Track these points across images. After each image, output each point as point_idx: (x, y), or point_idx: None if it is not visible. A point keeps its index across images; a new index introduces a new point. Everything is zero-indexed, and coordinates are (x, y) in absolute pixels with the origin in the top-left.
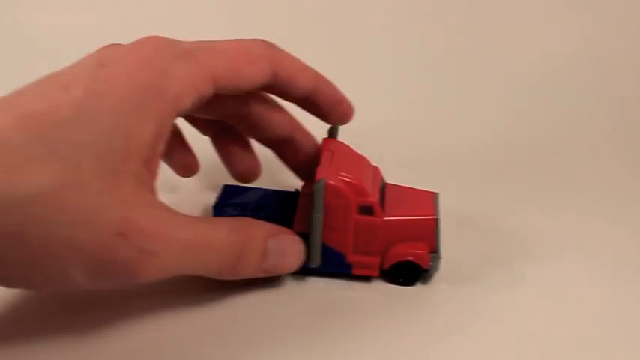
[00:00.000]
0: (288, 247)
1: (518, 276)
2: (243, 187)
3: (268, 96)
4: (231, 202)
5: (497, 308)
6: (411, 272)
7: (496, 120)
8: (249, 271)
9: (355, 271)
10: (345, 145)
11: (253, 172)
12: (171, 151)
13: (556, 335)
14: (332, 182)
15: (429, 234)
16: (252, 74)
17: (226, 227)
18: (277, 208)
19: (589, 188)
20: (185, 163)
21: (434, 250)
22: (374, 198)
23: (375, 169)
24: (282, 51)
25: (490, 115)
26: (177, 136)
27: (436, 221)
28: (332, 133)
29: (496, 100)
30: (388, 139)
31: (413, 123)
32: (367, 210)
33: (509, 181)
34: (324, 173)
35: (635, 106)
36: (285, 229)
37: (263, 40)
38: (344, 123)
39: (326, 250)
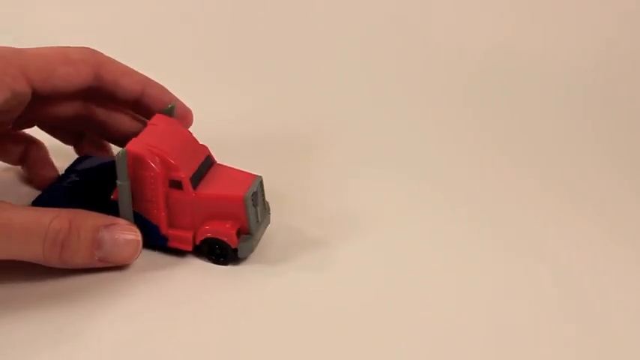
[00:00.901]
0: (121, 237)
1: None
2: (94, 157)
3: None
4: (76, 169)
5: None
6: (222, 250)
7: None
8: (79, 261)
9: (171, 244)
10: (174, 121)
11: None
12: (32, 164)
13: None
14: (135, 150)
15: (238, 213)
16: (69, 74)
17: (51, 215)
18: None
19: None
20: (42, 176)
21: (246, 230)
22: (185, 173)
23: (202, 148)
24: (106, 56)
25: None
26: (40, 151)
27: (245, 200)
28: (167, 112)
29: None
30: None
31: None
32: (177, 184)
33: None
34: (135, 143)
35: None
36: (120, 220)
37: (87, 47)
38: (185, 126)
39: (141, 221)
